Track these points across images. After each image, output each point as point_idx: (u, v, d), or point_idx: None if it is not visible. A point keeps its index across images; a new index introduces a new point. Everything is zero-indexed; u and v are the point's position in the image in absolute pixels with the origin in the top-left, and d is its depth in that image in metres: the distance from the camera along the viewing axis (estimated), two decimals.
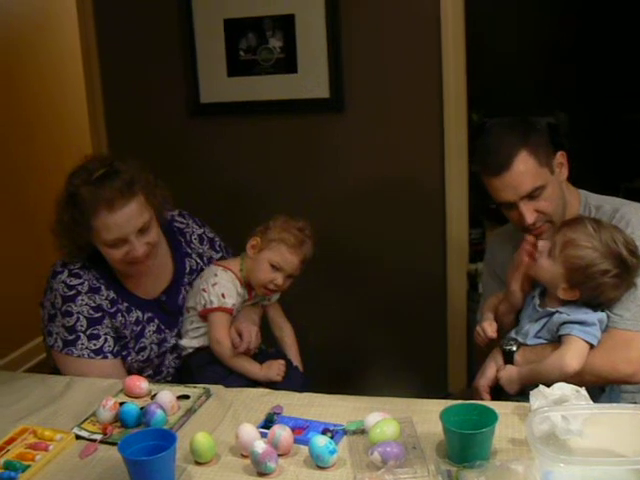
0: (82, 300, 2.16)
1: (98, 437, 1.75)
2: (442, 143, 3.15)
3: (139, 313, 2.25)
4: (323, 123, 3.28)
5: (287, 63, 3.23)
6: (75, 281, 2.18)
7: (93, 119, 3.58)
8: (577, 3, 4.85)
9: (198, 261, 2.40)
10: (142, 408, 1.81)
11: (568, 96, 4.80)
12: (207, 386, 1.98)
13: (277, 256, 2.26)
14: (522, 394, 1.87)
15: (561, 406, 1.58)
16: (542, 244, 1.96)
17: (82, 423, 1.81)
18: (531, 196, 2.01)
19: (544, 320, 1.94)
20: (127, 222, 2.07)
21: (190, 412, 1.85)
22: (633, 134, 4.82)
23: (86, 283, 2.18)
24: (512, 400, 1.85)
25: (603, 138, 4.88)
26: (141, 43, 3.41)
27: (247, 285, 2.33)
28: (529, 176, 1.99)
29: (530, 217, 2.02)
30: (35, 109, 4.46)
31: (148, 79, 3.44)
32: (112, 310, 2.20)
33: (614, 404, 1.82)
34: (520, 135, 2.03)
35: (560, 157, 2.08)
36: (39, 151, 4.31)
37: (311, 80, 3.22)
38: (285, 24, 3.20)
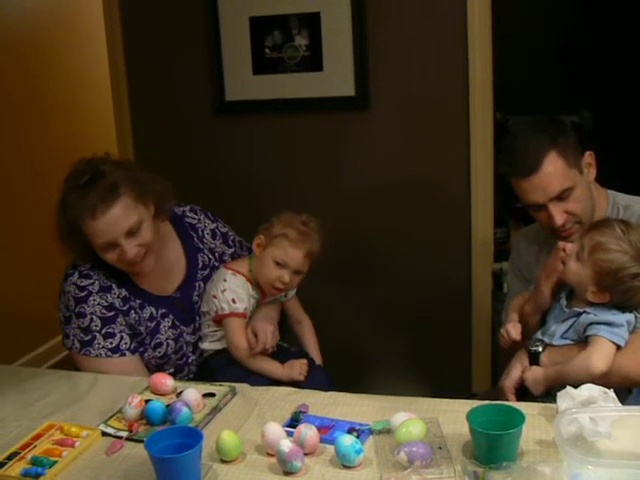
0: (94, 300, 2.18)
1: (124, 434, 1.75)
2: (468, 142, 3.13)
3: (152, 309, 2.26)
4: (349, 121, 3.27)
5: (313, 61, 3.23)
6: (86, 282, 2.19)
7: (119, 118, 3.59)
8: (603, 1, 4.81)
9: (210, 256, 2.40)
10: (168, 406, 1.81)
11: (593, 95, 4.76)
12: (233, 384, 1.98)
13: (280, 252, 2.23)
14: (548, 395, 1.85)
15: (589, 407, 1.57)
16: (570, 247, 1.94)
17: (108, 420, 1.82)
18: (560, 197, 2.00)
19: (571, 321, 1.92)
20: (112, 227, 2.05)
21: (216, 410, 1.86)
22: None
23: (97, 283, 2.19)
24: (538, 401, 1.83)
25: (630, 137, 4.83)
26: (167, 41, 3.42)
27: (258, 285, 2.31)
28: (558, 177, 1.98)
29: (560, 219, 2.01)
30: (60, 109, 4.48)
31: (174, 77, 3.45)
32: (125, 308, 2.21)
33: None
34: (548, 136, 2.01)
35: (588, 157, 2.06)
36: (63, 152, 4.29)
37: (337, 78, 3.21)
38: (311, 22, 3.20)
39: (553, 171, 1.98)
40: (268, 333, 2.22)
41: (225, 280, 2.26)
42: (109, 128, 3.70)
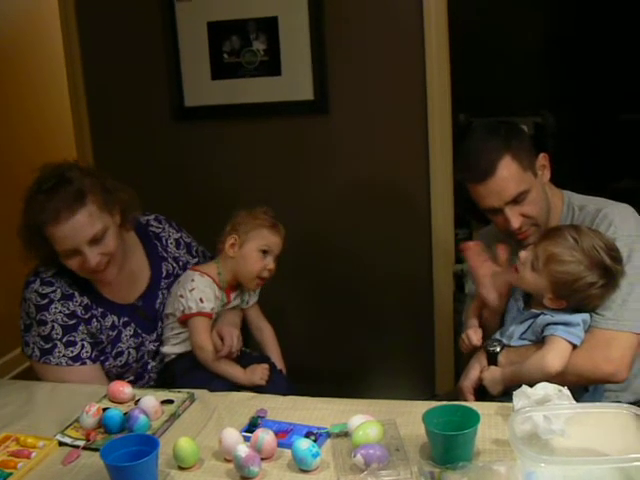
0: (55, 308, 2.15)
1: (81, 443, 1.74)
2: (427, 144, 3.15)
3: (114, 318, 2.24)
4: (308, 125, 3.28)
5: (271, 65, 3.24)
6: (47, 289, 2.16)
7: (77, 125, 3.58)
8: (570, 1, 4.87)
9: (174, 265, 2.39)
10: (126, 414, 1.80)
11: (556, 96, 4.82)
12: (191, 390, 1.97)
13: (263, 240, 2.27)
14: (506, 395, 1.86)
15: (543, 406, 1.58)
16: (524, 255, 1.94)
17: (65, 429, 1.80)
18: (516, 201, 2.01)
19: (529, 322, 1.94)
20: (76, 233, 2.03)
21: (174, 417, 1.84)
22: (624, 135, 4.83)
23: (59, 290, 2.17)
24: (496, 400, 1.85)
25: (591, 139, 4.89)
26: (124, 47, 3.41)
27: (227, 289, 2.32)
28: (513, 181, 1.99)
29: (516, 222, 2.02)
30: (19, 115, 4.43)
31: (132, 83, 3.44)
32: (86, 316, 2.19)
33: (597, 403, 1.82)
34: (502, 140, 2.02)
35: (542, 159, 2.07)
36: (24, 159, 4.26)
37: (295, 82, 3.23)
38: (268, 26, 3.21)
39: (508, 175, 1.98)
40: (234, 336, 2.21)
41: (193, 280, 2.26)
42: (68, 135, 3.66)
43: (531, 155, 2.05)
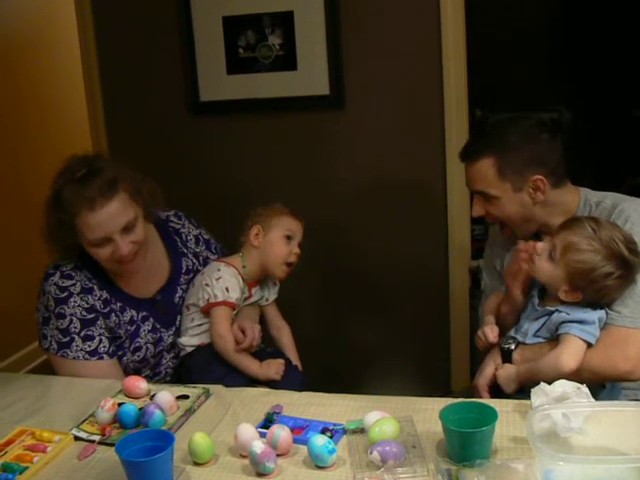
0: (75, 301, 2.15)
1: (97, 438, 1.74)
2: (443, 139, 3.14)
3: (133, 312, 2.24)
4: (324, 120, 3.27)
5: (286, 60, 3.22)
6: (67, 282, 2.16)
7: (93, 119, 3.58)
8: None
9: (194, 261, 2.39)
10: (141, 409, 1.80)
11: (572, 92, 4.79)
12: (206, 386, 1.97)
13: (286, 226, 2.31)
14: (522, 392, 1.86)
15: (562, 404, 1.57)
16: (541, 246, 1.94)
17: (81, 424, 1.80)
18: (483, 194, 2.07)
19: (543, 319, 1.93)
20: (109, 221, 2.04)
21: (189, 412, 1.84)
22: (637, 130, 4.80)
23: (78, 284, 2.16)
24: (513, 398, 1.83)
25: (609, 134, 4.86)
26: (140, 42, 3.41)
27: (249, 283, 2.33)
28: (483, 179, 2.04)
29: (476, 211, 2.12)
30: (35, 110, 4.45)
31: (147, 78, 3.44)
32: (105, 310, 2.19)
33: (615, 401, 1.80)
34: (501, 143, 2.04)
35: (538, 182, 2.03)
36: (39, 154, 4.29)
37: (311, 77, 3.21)
38: (284, 21, 3.19)
39: (481, 172, 2.04)
40: (256, 331, 2.22)
41: (219, 270, 2.27)
42: (83, 130, 3.67)
43: (520, 172, 2.03)
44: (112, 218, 2.04)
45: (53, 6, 4.55)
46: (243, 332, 2.21)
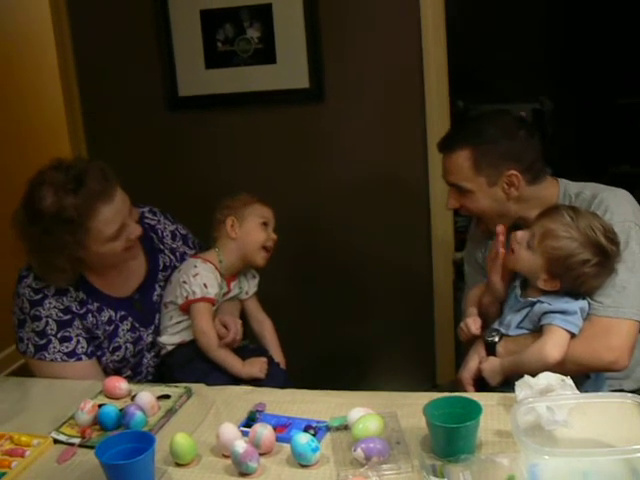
0: (50, 303, 2.12)
1: (76, 441, 1.71)
2: (424, 131, 3.12)
3: (111, 312, 2.21)
4: (304, 113, 3.25)
5: (265, 54, 3.19)
6: (41, 284, 2.13)
7: (70, 117, 3.53)
8: None
9: (171, 257, 2.37)
10: (122, 410, 1.77)
11: (554, 81, 4.79)
12: (188, 385, 1.94)
13: (260, 213, 2.32)
14: (507, 385, 1.85)
15: (546, 396, 1.56)
16: (520, 235, 1.94)
17: (60, 427, 1.77)
18: (458, 187, 2.08)
19: (526, 310, 1.92)
20: (123, 206, 2.08)
21: (171, 412, 1.82)
22: (625, 119, 4.82)
23: (52, 286, 2.13)
24: (497, 391, 1.83)
25: (590, 123, 4.87)
26: (117, 36, 3.36)
27: (227, 277, 2.32)
28: (458, 172, 2.06)
29: (450, 203, 2.14)
30: (12, 104, 4.39)
31: (124, 73, 3.40)
32: (82, 311, 2.16)
33: (600, 393, 1.80)
34: (478, 136, 2.05)
35: (513, 177, 2.03)
36: (15, 154, 4.23)
37: (290, 70, 3.19)
38: (262, 14, 3.16)
39: (456, 163, 2.05)
40: (238, 325, 2.21)
41: (196, 266, 2.25)
42: (61, 127, 3.63)
43: (495, 168, 2.03)
44: (123, 202, 2.08)
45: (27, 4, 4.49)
46: (226, 327, 2.20)
